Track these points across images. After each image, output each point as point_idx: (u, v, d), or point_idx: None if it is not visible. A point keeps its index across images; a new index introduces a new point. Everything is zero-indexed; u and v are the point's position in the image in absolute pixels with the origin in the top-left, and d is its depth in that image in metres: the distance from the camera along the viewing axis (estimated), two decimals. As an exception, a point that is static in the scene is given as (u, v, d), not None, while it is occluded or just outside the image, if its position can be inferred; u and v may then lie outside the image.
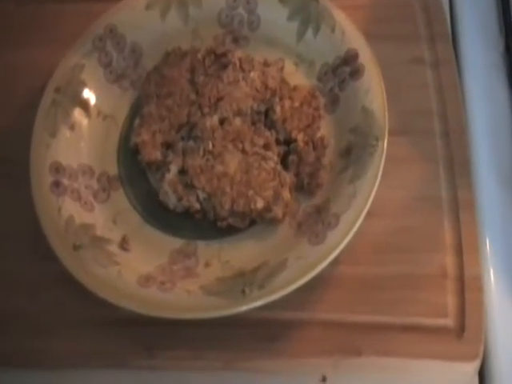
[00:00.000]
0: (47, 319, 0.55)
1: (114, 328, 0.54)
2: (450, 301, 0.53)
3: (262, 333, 0.53)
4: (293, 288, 0.49)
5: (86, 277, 0.51)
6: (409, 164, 0.59)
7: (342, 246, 0.50)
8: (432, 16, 0.67)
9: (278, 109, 0.58)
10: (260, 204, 0.53)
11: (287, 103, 0.59)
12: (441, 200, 0.57)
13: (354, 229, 0.51)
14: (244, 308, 0.48)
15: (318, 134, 0.58)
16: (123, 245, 0.55)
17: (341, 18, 0.62)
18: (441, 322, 0.52)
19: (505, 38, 0.67)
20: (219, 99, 0.58)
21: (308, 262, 0.50)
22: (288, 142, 0.58)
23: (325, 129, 0.59)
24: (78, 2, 0.72)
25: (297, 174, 0.56)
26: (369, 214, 0.51)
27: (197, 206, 0.55)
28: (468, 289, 0.53)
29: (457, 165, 0.59)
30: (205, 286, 0.51)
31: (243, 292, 0.49)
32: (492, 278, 0.55)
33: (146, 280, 0.51)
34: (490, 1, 0.70)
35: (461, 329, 0.52)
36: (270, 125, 0.58)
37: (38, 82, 0.63)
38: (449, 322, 0.52)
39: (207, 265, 0.54)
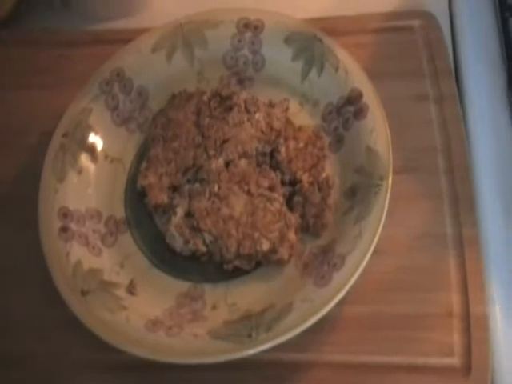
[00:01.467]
0: (54, 363, 0.55)
1: (121, 372, 0.54)
2: (456, 340, 0.53)
3: (268, 375, 0.53)
4: (299, 331, 0.49)
5: (93, 322, 0.51)
6: (413, 201, 0.59)
7: (347, 288, 0.50)
8: (434, 52, 0.68)
9: (282, 150, 0.59)
10: (266, 246, 0.54)
11: (292, 144, 0.60)
12: (446, 237, 0.58)
13: (360, 270, 0.51)
14: (251, 352, 0.48)
15: (323, 175, 0.59)
16: (131, 289, 0.55)
17: (344, 57, 0.62)
18: (447, 361, 0.52)
19: (507, 71, 0.67)
20: (225, 141, 0.59)
21: (314, 305, 0.50)
22: (293, 182, 0.58)
23: (329, 168, 0.59)
24: (82, 45, 0.73)
25: (302, 215, 0.57)
26: (374, 252, 0.52)
27: (203, 248, 0.55)
28: (474, 327, 0.53)
29: (461, 201, 0.59)
30: (212, 330, 0.51)
31: (250, 336, 0.49)
32: (498, 315, 0.55)
33: (154, 324, 0.52)
34: (493, 36, 0.70)
35: (467, 368, 0.52)
36: (275, 166, 0.59)
37: (45, 126, 0.64)
38: (455, 361, 0.52)
39: (214, 308, 0.54)
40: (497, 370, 0.53)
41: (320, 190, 0.58)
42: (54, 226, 0.56)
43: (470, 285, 0.55)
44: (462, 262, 0.56)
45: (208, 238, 0.55)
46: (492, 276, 0.56)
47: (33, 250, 0.56)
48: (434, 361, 0.53)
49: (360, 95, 0.60)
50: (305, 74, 0.64)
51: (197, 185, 0.57)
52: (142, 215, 0.60)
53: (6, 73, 0.73)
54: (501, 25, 0.69)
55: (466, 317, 0.54)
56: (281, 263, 0.54)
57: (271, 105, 0.62)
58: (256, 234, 0.54)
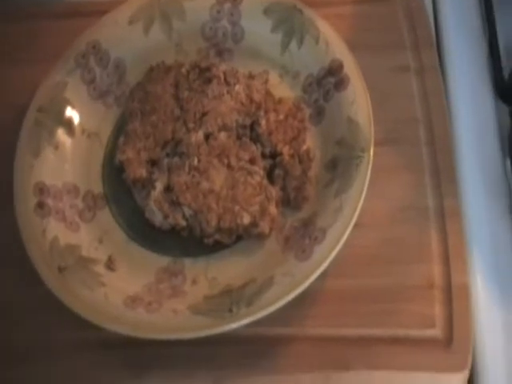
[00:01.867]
0: (33, 344, 0.55)
1: (102, 350, 0.54)
2: (438, 311, 0.53)
3: (250, 350, 0.53)
4: (280, 305, 0.49)
5: (71, 299, 0.50)
6: (394, 173, 0.59)
7: (328, 261, 0.50)
8: (416, 23, 0.67)
9: (263, 122, 0.58)
10: (246, 219, 0.53)
11: (272, 116, 0.59)
12: (427, 209, 0.57)
13: (341, 243, 0.51)
14: (231, 326, 0.48)
15: (304, 147, 0.58)
16: (109, 265, 0.54)
17: (325, 28, 0.62)
18: (429, 333, 0.52)
19: (489, 43, 0.66)
20: (204, 114, 0.58)
21: (295, 279, 0.50)
22: (274, 155, 0.58)
23: (310, 141, 0.59)
24: (57, 18, 0.71)
25: (283, 188, 0.56)
26: (355, 225, 0.51)
27: (183, 223, 0.54)
28: (455, 298, 0.53)
29: (443, 173, 0.59)
30: (192, 306, 0.50)
31: (230, 310, 0.49)
32: (479, 286, 0.55)
33: (133, 301, 0.51)
34: (474, 6, 0.70)
35: (449, 339, 0.52)
36: (256, 138, 0.58)
37: (20, 101, 0.62)
38: (437, 332, 0.52)
39: (194, 282, 0.53)
40: (478, 341, 0.53)
41: (301, 162, 0.57)
42: (29, 202, 0.55)
43: (452, 256, 0.55)
44: (443, 233, 0.56)
45: (188, 212, 0.54)
46: (473, 247, 0.57)
47: (9, 228, 0.55)
48: (415, 333, 0.53)
49: (341, 66, 0.59)
50: (285, 46, 0.63)
51: (176, 159, 0.56)
52: (120, 190, 0.59)
53: (-21, 48, 0.71)
54: (482, -5, 0.69)
55: (448, 288, 0.54)
56: (261, 237, 0.54)
57: (251, 76, 0.61)
58: (236, 208, 0.54)
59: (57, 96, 0.60)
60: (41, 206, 0.55)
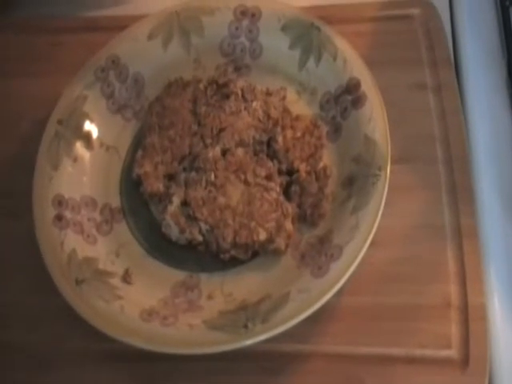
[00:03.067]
0: (46, 353, 0.55)
1: (114, 362, 0.54)
2: (454, 331, 0.53)
3: (265, 366, 0.53)
4: (296, 322, 0.49)
5: (88, 311, 0.51)
6: (411, 192, 0.59)
7: (344, 279, 0.50)
8: (434, 41, 0.67)
9: (280, 139, 0.58)
10: (262, 235, 0.53)
11: (289, 133, 0.59)
12: (444, 228, 0.57)
13: (357, 261, 0.51)
14: (247, 343, 0.48)
15: (321, 164, 0.58)
16: (126, 278, 0.55)
17: (343, 45, 0.62)
18: (445, 353, 0.52)
19: (507, 61, 0.66)
20: (221, 130, 0.59)
21: (311, 295, 0.50)
22: (290, 172, 0.58)
23: (327, 158, 0.59)
24: (77, 32, 0.72)
25: (299, 205, 0.56)
26: (371, 243, 0.51)
27: (199, 238, 0.55)
28: (472, 318, 0.53)
29: (460, 191, 0.59)
30: (207, 320, 0.50)
31: (246, 326, 0.49)
32: (496, 306, 0.55)
33: (149, 314, 0.51)
34: (492, 25, 0.70)
35: (465, 360, 0.51)
36: (273, 155, 0.58)
37: (40, 113, 0.63)
38: (453, 353, 0.52)
39: (210, 297, 0.53)
40: (495, 362, 0.52)
41: (317, 179, 0.57)
42: (48, 214, 0.55)
43: (468, 276, 0.55)
44: (460, 252, 0.56)
45: (204, 227, 0.54)
46: (490, 266, 0.56)
47: (27, 239, 0.56)
48: (431, 352, 0.52)
49: (358, 84, 0.59)
50: (302, 63, 0.64)
51: (193, 173, 0.57)
52: (137, 204, 0.59)
53: (-1, 60, 0.71)
54: (501, 14, 0.69)
55: (464, 308, 0.53)
56: (277, 253, 0.54)
57: (268, 93, 0.61)
58: (253, 224, 0.54)
59: (76, 109, 0.61)
60: (59, 218, 0.56)
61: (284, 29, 0.64)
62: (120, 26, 0.67)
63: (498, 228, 0.58)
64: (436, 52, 0.66)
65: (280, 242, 0.53)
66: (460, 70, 0.67)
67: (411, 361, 0.52)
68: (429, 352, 0.52)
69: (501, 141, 0.63)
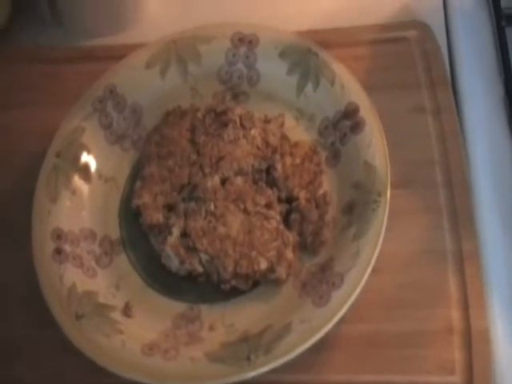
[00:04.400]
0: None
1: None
2: (458, 357, 0.52)
3: (267, 397, 0.52)
4: (298, 352, 0.48)
5: (88, 347, 0.50)
6: (412, 216, 0.59)
7: (346, 308, 0.50)
8: (431, 62, 0.67)
9: (279, 166, 0.58)
10: (263, 265, 0.53)
11: (288, 160, 0.59)
12: (445, 252, 0.57)
13: (358, 289, 0.50)
14: (250, 375, 0.48)
15: (321, 191, 0.58)
16: (126, 311, 0.54)
17: (340, 70, 0.62)
18: (449, 379, 0.52)
19: (505, 82, 0.66)
20: (220, 158, 0.58)
21: (313, 325, 0.49)
22: (290, 199, 0.57)
23: (327, 184, 0.59)
24: (74, 62, 0.72)
25: (300, 233, 0.56)
26: (373, 269, 0.51)
27: (199, 269, 0.54)
28: (475, 343, 0.52)
29: (460, 215, 0.58)
30: (209, 353, 0.50)
31: (248, 359, 0.48)
32: (499, 331, 0.54)
33: (150, 348, 0.51)
34: (489, 45, 0.70)
35: (469, 385, 0.51)
36: (272, 183, 0.58)
37: (36, 145, 0.63)
38: (457, 379, 0.51)
39: (211, 329, 0.53)
40: (499, 387, 0.52)
41: (317, 206, 0.57)
42: (47, 248, 0.55)
43: (471, 300, 0.54)
44: (462, 277, 0.55)
45: (204, 257, 0.54)
46: (493, 291, 0.56)
47: (24, 271, 0.55)
48: (435, 379, 0.52)
49: (357, 109, 0.59)
50: (300, 89, 0.64)
51: (192, 204, 0.56)
52: (137, 235, 0.59)
53: (-5, 90, 0.71)
54: (497, 34, 0.69)
55: (467, 333, 0.53)
56: (279, 282, 0.54)
57: (267, 120, 0.61)
58: (253, 253, 0.53)
59: (74, 141, 0.60)
60: (58, 252, 0.55)
61: (281, 55, 0.64)
62: (117, 55, 0.67)
63: (499, 251, 0.58)
64: (433, 74, 0.66)
65: (281, 271, 0.53)
66: (458, 92, 0.67)
67: (415, 387, 0.51)
68: (433, 378, 0.52)
69: (500, 162, 0.62)
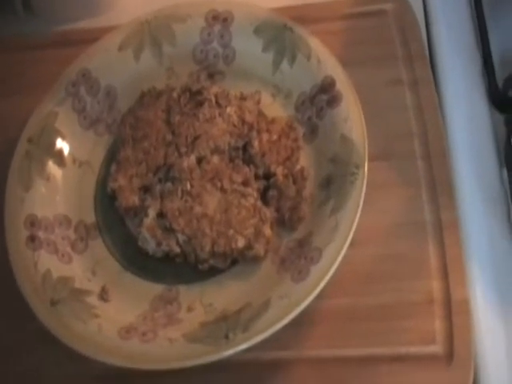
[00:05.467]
0: (26, 379, 0.54)
1: (97, 383, 0.53)
2: (438, 327, 0.52)
3: (247, 376, 0.52)
4: (276, 328, 0.48)
5: (64, 333, 0.50)
6: (390, 188, 0.59)
7: (324, 282, 0.49)
8: (408, 36, 0.67)
9: (255, 143, 0.58)
10: (241, 243, 0.53)
11: (265, 137, 0.59)
12: (424, 224, 0.57)
13: (337, 262, 0.50)
14: (228, 353, 0.47)
15: (298, 166, 0.58)
16: (103, 295, 0.54)
17: (316, 45, 0.61)
18: (429, 349, 0.52)
19: (482, 55, 0.66)
20: (196, 138, 0.58)
21: (292, 301, 0.49)
22: (267, 176, 0.57)
23: (304, 160, 0.58)
24: (48, 47, 0.71)
25: (277, 209, 0.56)
26: (351, 242, 0.51)
27: (177, 249, 0.54)
28: (455, 313, 0.53)
29: (439, 187, 0.58)
30: (187, 334, 0.50)
31: (227, 337, 0.48)
32: (479, 300, 0.54)
33: (127, 331, 0.50)
34: (466, 18, 0.69)
35: (450, 355, 0.51)
36: (249, 160, 0.58)
37: (10, 133, 0.62)
38: (437, 348, 0.51)
39: (190, 309, 0.53)
40: (480, 356, 0.52)
41: (295, 182, 0.57)
42: (21, 236, 0.54)
43: (451, 271, 0.54)
44: (441, 247, 0.55)
45: (181, 238, 0.54)
46: (472, 260, 0.56)
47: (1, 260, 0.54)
48: (416, 349, 0.52)
49: (333, 83, 0.59)
50: (276, 65, 0.63)
51: (168, 184, 0.56)
52: (113, 219, 0.58)
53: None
54: (474, 6, 0.68)
55: (447, 303, 0.53)
56: (257, 260, 0.53)
57: (243, 98, 0.61)
58: (231, 232, 0.53)
59: (47, 126, 0.60)
60: (32, 239, 0.55)
61: (257, 32, 0.63)
62: (92, 38, 0.66)
63: (478, 221, 0.58)
64: (411, 47, 0.66)
65: (259, 248, 0.53)
66: (435, 65, 0.67)
67: (396, 359, 0.51)
68: (413, 349, 0.52)
69: (479, 134, 0.62)
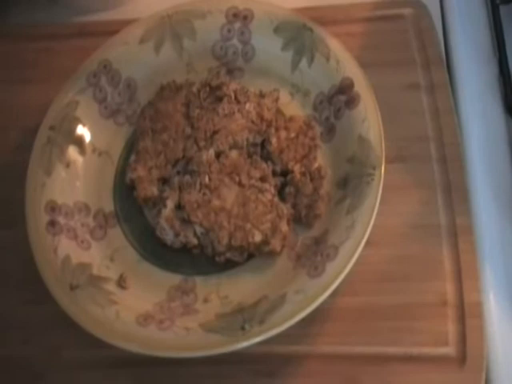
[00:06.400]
0: (43, 363, 0.55)
1: (113, 369, 0.54)
2: (451, 329, 0.53)
3: (261, 368, 0.53)
4: (292, 322, 0.48)
5: (83, 318, 0.50)
6: (406, 191, 0.59)
7: (340, 278, 0.50)
8: (426, 40, 0.67)
9: (273, 140, 0.58)
10: (258, 237, 0.53)
11: (283, 134, 0.59)
12: (439, 227, 0.57)
13: (353, 260, 0.50)
14: (244, 344, 0.48)
15: (315, 165, 0.58)
16: (121, 283, 0.54)
17: (335, 46, 0.62)
18: (442, 350, 0.52)
19: (498, 59, 0.66)
20: (215, 132, 0.58)
21: (307, 296, 0.49)
22: (285, 173, 0.58)
23: (321, 159, 0.59)
24: (67, 38, 0.72)
25: (294, 206, 0.56)
26: (367, 242, 0.51)
27: (194, 241, 0.54)
28: (468, 316, 0.53)
29: (454, 191, 0.59)
30: (204, 324, 0.50)
31: (243, 328, 0.49)
32: (492, 303, 0.55)
33: (145, 319, 0.51)
34: (483, 23, 0.70)
35: (462, 357, 0.52)
36: (267, 156, 0.58)
37: (30, 121, 0.63)
38: (450, 350, 0.52)
39: (206, 300, 0.53)
40: (492, 359, 0.52)
41: (312, 180, 0.57)
42: (41, 221, 0.55)
43: (464, 274, 0.55)
44: (455, 251, 0.56)
45: (199, 230, 0.54)
46: (486, 264, 0.56)
47: (20, 248, 0.55)
48: (428, 350, 0.52)
49: (351, 84, 0.59)
50: (295, 64, 0.63)
51: (187, 177, 0.56)
52: (131, 208, 0.59)
53: (-11, 68, 0.71)
54: (491, 12, 0.69)
55: (461, 306, 0.54)
56: (273, 255, 0.54)
57: (261, 95, 0.61)
58: (248, 226, 0.53)
59: (68, 115, 0.60)
60: (52, 224, 0.55)
61: (276, 30, 0.64)
62: (110, 30, 0.66)
63: (492, 226, 0.58)
64: (428, 52, 0.66)
65: (275, 244, 0.53)
66: (452, 70, 0.67)
67: (409, 359, 0.52)
68: (426, 350, 0.52)
69: (494, 139, 0.63)
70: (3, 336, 0.56)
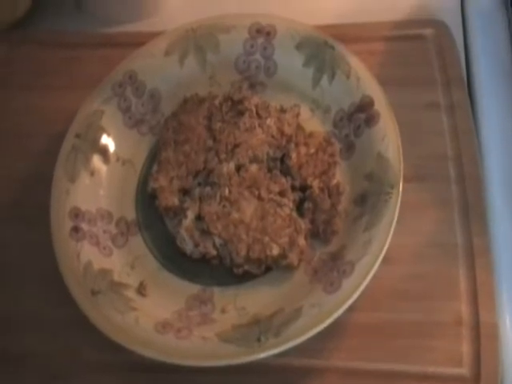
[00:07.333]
0: (61, 364, 0.56)
1: (129, 374, 0.54)
2: (466, 349, 0.53)
3: (277, 381, 0.53)
4: (308, 336, 0.49)
5: (103, 322, 0.51)
6: (424, 210, 0.59)
7: (356, 295, 0.50)
8: (447, 60, 0.68)
9: (293, 155, 0.59)
10: (275, 251, 0.54)
11: (303, 150, 0.60)
12: (456, 246, 0.57)
13: (369, 277, 0.51)
14: (260, 356, 0.48)
15: (334, 181, 0.59)
16: (141, 290, 0.55)
17: (356, 64, 0.62)
18: (456, 371, 0.52)
19: (520, 82, 0.67)
20: (236, 146, 0.59)
21: (323, 311, 0.50)
22: (303, 188, 0.58)
23: (340, 175, 0.59)
24: (94, 47, 0.73)
25: (312, 221, 0.57)
26: (384, 260, 0.52)
27: (213, 252, 0.55)
28: (483, 337, 0.53)
29: (472, 211, 0.59)
30: (221, 334, 0.51)
31: (259, 340, 0.49)
32: (508, 325, 0.55)
33: (163, 326, 0.52)
34: (505, 44, 0.70)
35: (476, 378, 0.52)
36: (286, 171, 0.59)
37: (56, 128, 0.65)
38: (464, 371, 0.52)
39: (223, 311, 0.54)
40: (506, 380, 0.53)
41: (330, 196, 0.58)
42: (65, 226, 0.56)
43: (480, 294, 0.55)
44: (472, 271, 0.56)
45: (218, 241, 0.55)
46: (502, 285, 0.56)
47: (43, 251, 0.56)
48: (443, 370, 0.52)
49: (371, 102, 0.60)
50: (316, 81, 0.64)
51: (207, 188, 0.57)
52: (152, 217, 0.60)
53: (17, 74, 0.73)
54: (513, 32, 0.69)
55: (476, 326, 0.54)
56: (290, 268, 0.54)
57: (282, 110, 0.62)
58: (266, 239, 0.54)
59: (94, 123, 0.61)
60: (76, 230, 0.56)
61: (298, 47, 0.65)
62: (136, 42, 0.67)
63: (510, 246, 0.58)
64: (449, 71, 0.67)
65: (293, 258, 0.54)
66: (472, 89, 0.67)
67: (423, 378, 0.52)
68: (440, 369, 0.52)
69: (513, 160, 0.62)
70: (22, 336, 0.57)
